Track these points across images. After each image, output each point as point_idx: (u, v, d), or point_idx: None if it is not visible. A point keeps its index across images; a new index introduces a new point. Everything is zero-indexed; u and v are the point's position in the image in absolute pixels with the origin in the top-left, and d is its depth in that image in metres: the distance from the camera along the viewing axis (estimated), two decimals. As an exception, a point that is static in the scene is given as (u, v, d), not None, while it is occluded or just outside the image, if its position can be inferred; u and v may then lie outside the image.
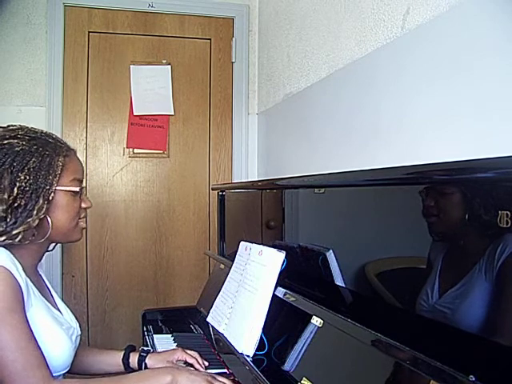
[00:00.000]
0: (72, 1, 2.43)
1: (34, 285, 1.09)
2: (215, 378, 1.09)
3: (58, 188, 1.08)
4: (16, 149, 1.05)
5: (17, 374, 0.94)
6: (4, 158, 1.04)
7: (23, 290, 1.01)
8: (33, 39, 2.39)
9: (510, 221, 0.62)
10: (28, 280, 1.05)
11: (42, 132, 1.13)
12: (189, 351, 1.27)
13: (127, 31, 2.53)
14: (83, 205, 1.16)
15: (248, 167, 2.66)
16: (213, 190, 2.29)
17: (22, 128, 1.11)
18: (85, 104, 2.48)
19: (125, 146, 2.53)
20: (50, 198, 1.07)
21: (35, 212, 1.04)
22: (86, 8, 2.46)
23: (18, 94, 2.37)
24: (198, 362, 1.24)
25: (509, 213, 0.62)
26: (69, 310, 1.22)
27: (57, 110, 2.42)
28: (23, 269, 1.04)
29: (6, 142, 1.05)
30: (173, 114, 2.57)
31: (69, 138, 2.44)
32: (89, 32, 2.48)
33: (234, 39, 2.64)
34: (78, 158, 1.18)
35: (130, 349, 1.30)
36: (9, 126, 1.11)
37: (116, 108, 2.52)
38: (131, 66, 2.52)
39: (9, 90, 2.36)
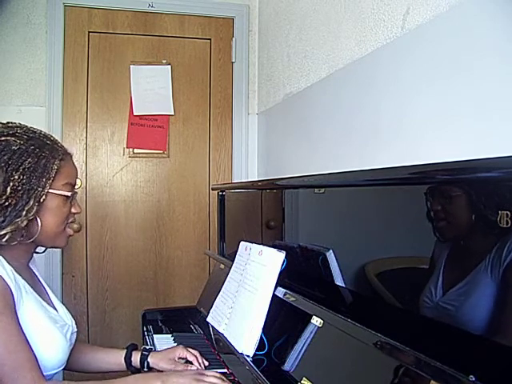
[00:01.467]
0: (72, 1, 2.43)
1: (27, 282, 1.08)
2: (204, 374, 1.09)
3: (50, 191, 1.07)
4: (13, 147, 1.04)
5: (6, 376, 0.94)
6: (0, 155, 1.03)
7: (12, 290, 1.00)
8: (33, 39, 2.39)
9: (509, 221, 0.62)
10: (19, 277, 1.04)
11: (40, 133, 1.12)
12: (190, 349, 1.27)
13: (127, 31, 2.53)
14: (73, 210, 1.15)
15: (248, 167, 2.66)
16: (213, 190, 2.28)
17: (20, 126, 1.10)
18: (85, 104, 2.48)
19: (125, 146, 2.53)
20: (41, 200, 1.06)
21: (24, 213, 1.03)
22: (86, 8, 2.46)
23: (18, 94, 2.37)
24: (198, 361, 1.24)
25: (509, 213, 0.62)
26: (64, 307, 1.21)
27: (57, 110, 2.42)
28: (13, 267, 1.03)
29: (3, 138, 1.04)
30: (173, 114, 2.57)
31: (69, 138, 2.44)
32: (89, 32, 2.48)
33: (234, 39, 2.63)
34: (74, 163, 1.17)
35: (132, 347, 1.30)
36: (8, 123, 1.10)
37: (116, 108, 2.52)
38: (131, 66, 2.52)
39: (9, 89, 2.36)
